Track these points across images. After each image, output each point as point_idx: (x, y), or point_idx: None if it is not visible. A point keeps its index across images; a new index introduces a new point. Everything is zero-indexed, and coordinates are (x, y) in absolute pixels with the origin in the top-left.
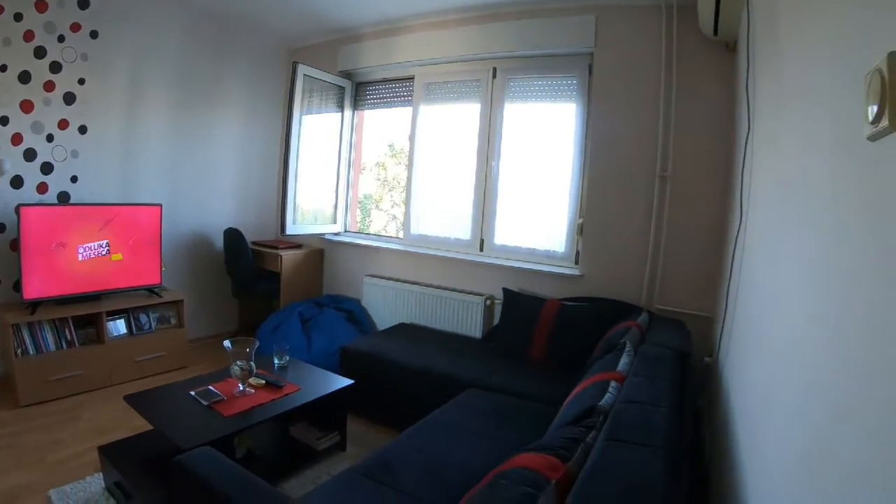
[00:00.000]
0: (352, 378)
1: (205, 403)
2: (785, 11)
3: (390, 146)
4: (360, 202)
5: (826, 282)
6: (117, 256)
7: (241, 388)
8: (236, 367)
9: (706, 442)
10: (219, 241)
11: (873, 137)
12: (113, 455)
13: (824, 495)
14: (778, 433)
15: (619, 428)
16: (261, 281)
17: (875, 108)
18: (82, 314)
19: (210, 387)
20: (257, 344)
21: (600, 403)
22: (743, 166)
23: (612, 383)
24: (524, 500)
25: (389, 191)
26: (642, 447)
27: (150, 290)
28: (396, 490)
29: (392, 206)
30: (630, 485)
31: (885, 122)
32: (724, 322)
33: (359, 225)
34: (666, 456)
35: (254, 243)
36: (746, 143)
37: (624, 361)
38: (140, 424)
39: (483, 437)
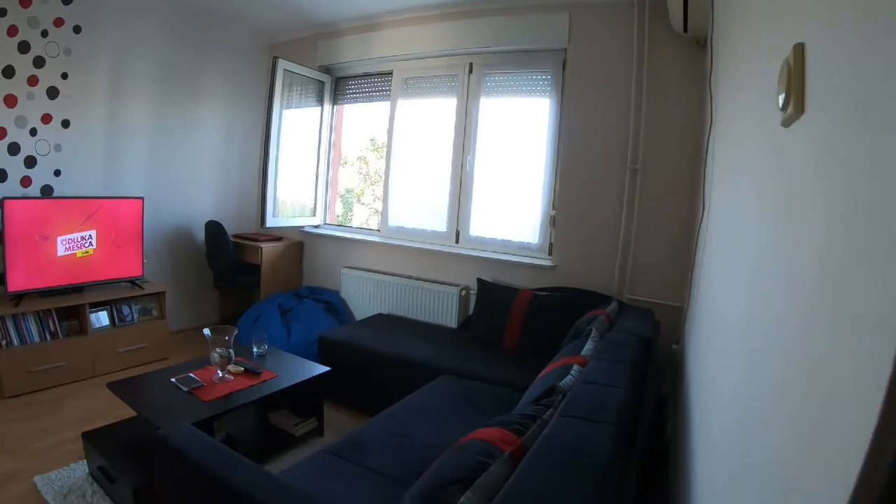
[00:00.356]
0: (330, 366)
1: (185, 389)
2: (736, 9)
3: (372, 140)
4: (341, 196)
5: (756, 267)
6: (100, 249)
7: (221, 374)
8: (216, 355)
9: (668, 424)
10: (200, 234)
11: (785, 123)
12: (96, 441)
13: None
14: (722, 416)
15: (574, 405)
16: (241, 273)
17: (783, 96)
18: (66, 306)
19: (191, 374)
20: (236, 332)
21: (560, 384)
22: (706, 159)
23: (575, 366)
24: (476, 466)
25: (371, 185)
26: (594, 423)
27: (133, 283)
28: (365, 467)
29: (374, 200)
30: (576, 455)
31: (791, 109)
32: (688, 310)
33: (340, 218)
34: (615, 432)
35: (235, 236)
36: (709, 136)
37: (588, 346)
38: (123, 413)
39: (452, 420)
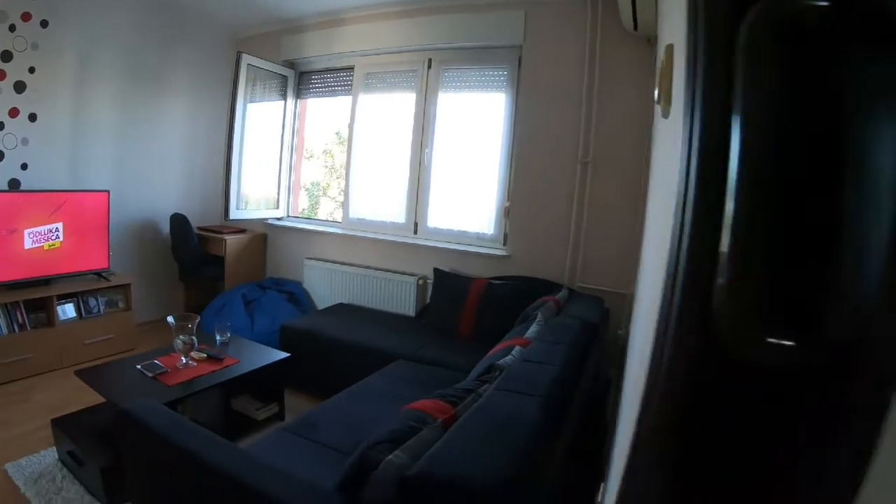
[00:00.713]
0: (291, 354)
1: (150, 375)
2: (663, 10)
3: (337, 134)
4: (307, 189)
5: (660, 248)
6: (67, 242)
7: (184, 361)
8: (179, 342)
9: (608, 403)
10: (166, 227)
11: (664, 114)
12: (65, 427)
13: None
14: (636, 390)
15: (509, 380)
16: (206, 265)
17: (657, 90)
18: (33, 298)
19: (155, 360)
20: (198, 319)
21: (499, 362)
22: (650, 151)
23: (517, 347)
24: (409, 430)
25: (337, 178)
26: (525, 395)
27: (99, 275)
28: (317, 443)
29: (339, 193)
30: (502, 422)
31: (663, 102)
32: (633, 297)
33: (307, 211)
34: (544, 403)
35: (199, 228)
36: (653, 130)
37: (533, 329)
38: (90, 402)
39: (403, 400)
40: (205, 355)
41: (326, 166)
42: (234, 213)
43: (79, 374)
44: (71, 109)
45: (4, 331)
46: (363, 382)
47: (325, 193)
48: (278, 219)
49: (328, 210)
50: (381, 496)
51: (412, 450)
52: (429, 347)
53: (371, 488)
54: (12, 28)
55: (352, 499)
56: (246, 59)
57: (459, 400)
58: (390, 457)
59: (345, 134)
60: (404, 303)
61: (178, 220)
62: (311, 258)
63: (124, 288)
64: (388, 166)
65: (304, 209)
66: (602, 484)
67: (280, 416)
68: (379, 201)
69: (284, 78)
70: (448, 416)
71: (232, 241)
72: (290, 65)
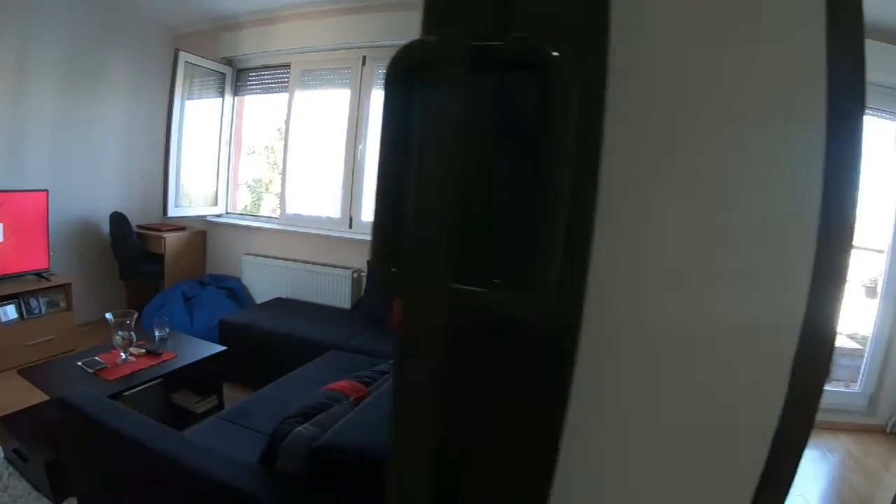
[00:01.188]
0: (230, 348)
1: (90, 371)
2: None
3: (279, 131)
4: (249, 186)
5: None
6: (6, 242)
7: (124, 356)
8: (118, 338)
9: None
10: (106, 226)
11: None
12: (10, 425)
13: None
14: None
15: None
16: (146, 263)
17: None
18: None
19: (96, 357)
20: (136, 315)
21: None
22: None
23: None
24: (321, 406)
25: (279, 174)
26: None
27: (39, 275)
28: (249, 428)
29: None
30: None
31: None
32: None
33: (249, 208)
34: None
35: (139, 227)
36: None
37: None
38: (34, 401)
39: None
40: (143, 351)
41: (269, 163)
42: (173, 211)
43: (21, 372)
44: (8, 109)
45: None
46: (295, 372)
47: (267, 190)
48: (217, 216)
49: (271, 206)
50: (293, 466)
51: (322, 423)
52: (360, 337)
53: (282, 459)
54: None
55: (270, 470)
56: (183, 57)
57: (373, 381)
58: (300, 429)
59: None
60: (340, 295)
61: (118, 219)
62: (249, 254)
63: (65, 288)
64: (324, 162)
65: (246, 206)
66: None
67: (220, 408)
68: (315, 197)
69: (222, 75)
70: (360, 395)
71: (171, 238)
72: (228, 62)
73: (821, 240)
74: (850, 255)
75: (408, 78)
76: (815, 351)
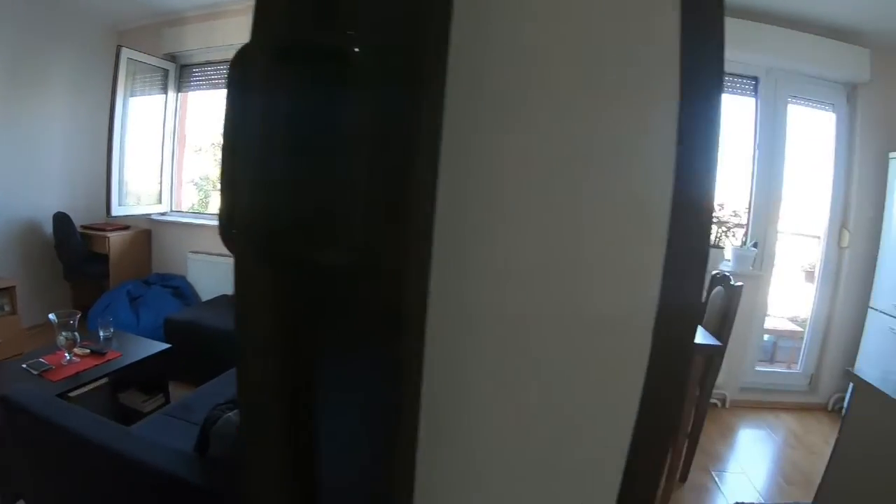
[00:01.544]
0: (176, 346)
1: (35, 373)
2: None
3: None
4: (196, 183)
5: None
6: None
7: (68, 357)
8: (62, 338)
9: None
10: (49, 226)
11: None
12: None
13: None
14: None
15: None
16: (90, 263)
17: None
18: None
19: (40, 359)
20: (79, 314)
21: None
22: None
23: None
24: None
25: None
26: None
27: None
28: (191, 422)
29: None
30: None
31: None
32: None
33: (197, 206)
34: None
35: (83, 227)
36: None
37: None
38: None
39: None
40: (88, 351)
41: (216, 160)
42: (117, 210)
43: None
44: None
45: None
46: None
47: (215, 187)
48: (162, 214)
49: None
50: (224, 450)
51: None
52: None
53: (214, 444)
54: None
55: (204, 456)
56: (126, 53)
57: None
58: (230, 414)
59: None
60: None
61: (61, 220)
62: (194, 252)
63: (9, 291)
64: None
65: (193, 204)
66: None
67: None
68: None
69: (165, 71)
70: None
71: (115, 238)
72: (172, 58)
73: (673, 225)
74: (707, 240)
75: (242, 79)
76: (670, 344)
